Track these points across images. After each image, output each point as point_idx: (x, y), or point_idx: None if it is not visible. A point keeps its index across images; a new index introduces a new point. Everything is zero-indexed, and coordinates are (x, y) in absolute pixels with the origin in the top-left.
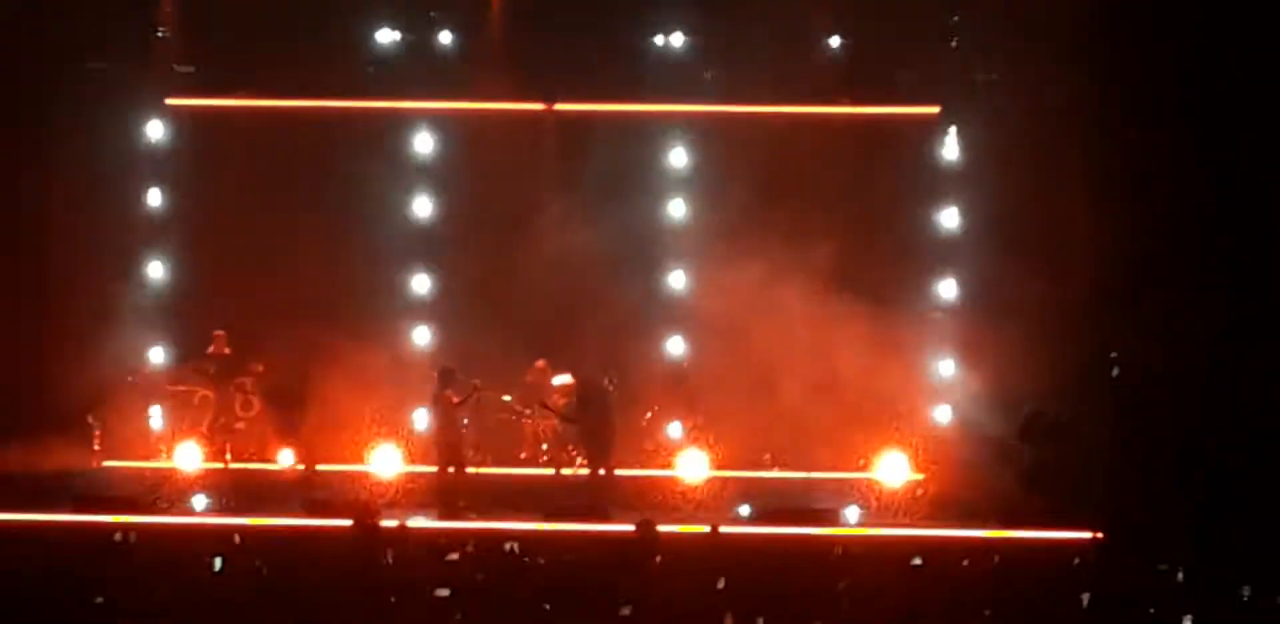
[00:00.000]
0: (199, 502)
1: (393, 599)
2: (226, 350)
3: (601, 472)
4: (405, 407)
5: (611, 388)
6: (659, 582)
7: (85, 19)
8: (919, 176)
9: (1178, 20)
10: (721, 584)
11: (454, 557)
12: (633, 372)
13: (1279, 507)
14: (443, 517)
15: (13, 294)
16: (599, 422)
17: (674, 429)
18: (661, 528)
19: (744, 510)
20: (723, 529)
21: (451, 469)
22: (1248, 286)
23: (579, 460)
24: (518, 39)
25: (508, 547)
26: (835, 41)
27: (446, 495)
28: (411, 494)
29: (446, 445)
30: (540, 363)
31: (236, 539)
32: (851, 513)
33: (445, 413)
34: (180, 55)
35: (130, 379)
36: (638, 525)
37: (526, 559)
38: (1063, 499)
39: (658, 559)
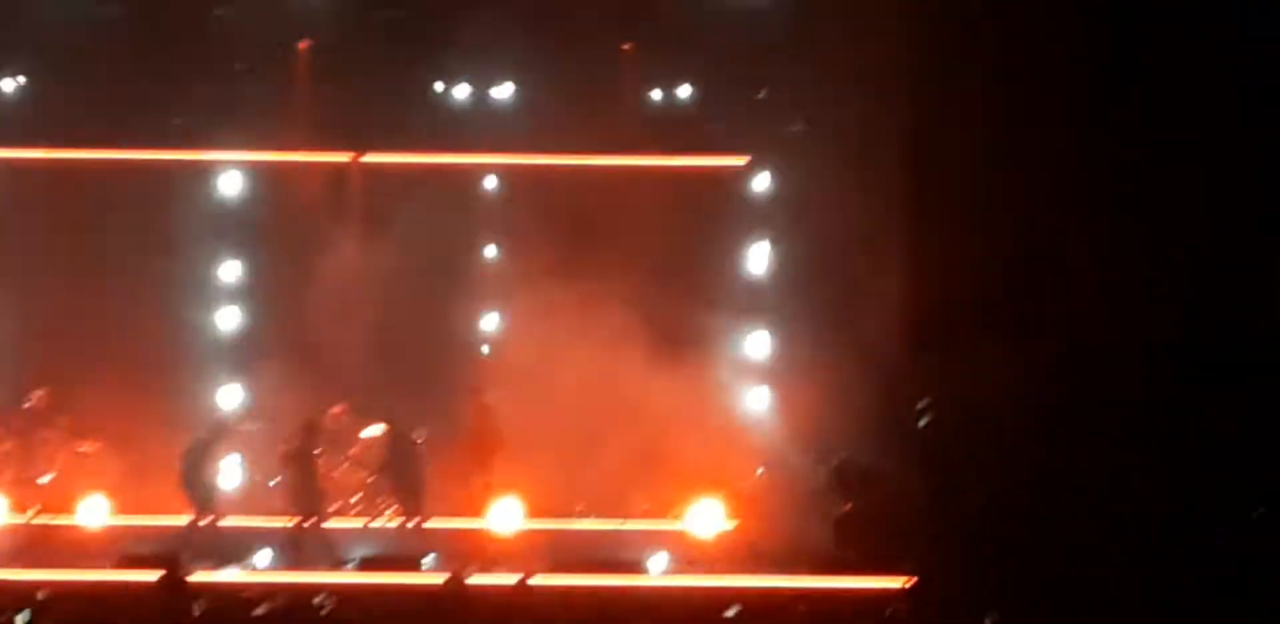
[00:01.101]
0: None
1: None
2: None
3: (411, 523)
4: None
5: (420, 439)
6: None
7: None
8: (729, 226)
9: (988, 68)
10: None
11: (261, 611)
12: (442, 420)
13: (1090, 552)
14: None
15: None
16: (408, 473)
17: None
18: (471, 579)
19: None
20: (531, 581)
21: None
22: (1060, 333)
23: (389, 511)
24: (325, 89)
25: (317, 600)
26: (646, 92)
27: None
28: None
29: (311, 496)
30: (337, 408)
31: (40, 595)
32: (661, 562)
33: (308, 465)
34: None
35: None
36: (448, 578)
37: (336, 612)
38: (874, 547)
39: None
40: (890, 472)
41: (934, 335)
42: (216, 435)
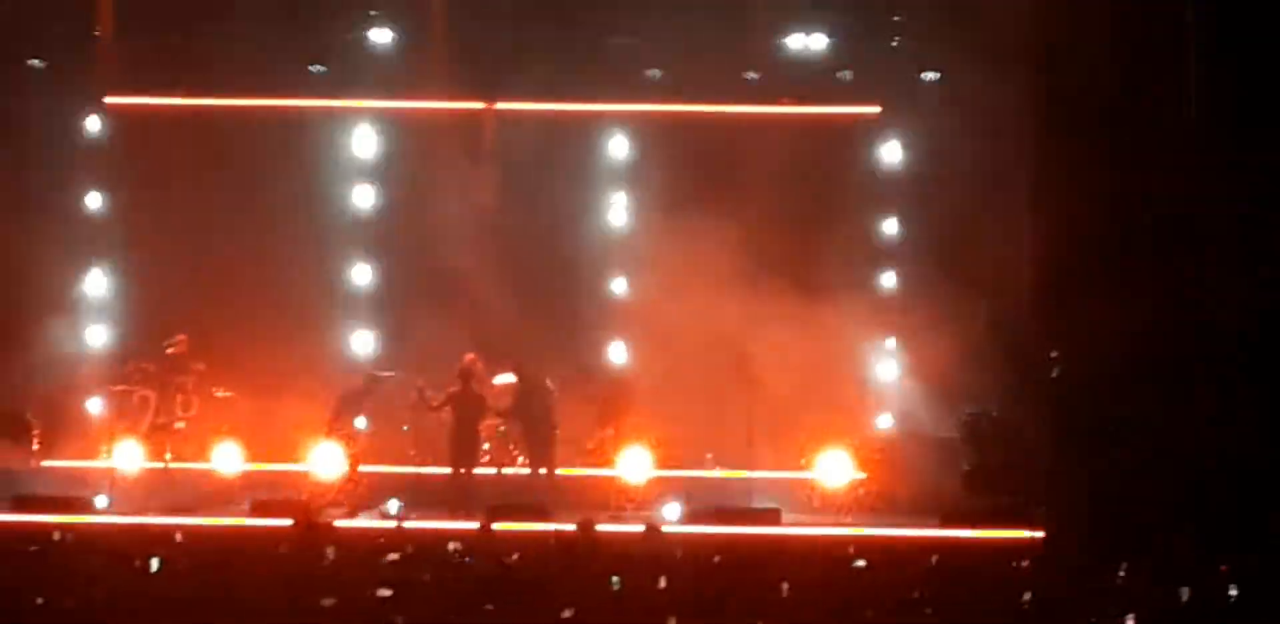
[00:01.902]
0: (137, 501)
1: (332, 600)
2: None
3: (543, 471)
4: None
5: (553, 387)
6: (600, 582)
7: (21, 17)
8: (860, 176)
9: (1123, 20)
10: (663, 584)
11: (395, 557)
12: (574, 369)
13: (1218, 505)
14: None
15: None
16: (540, 420)
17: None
18: (601, 527)
19: (670, 511)
20: (663, 529)
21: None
22: (1190, 285)
23: (520, 460)
24: (459, 36)
25: (449, 547)
26: (778, 41)
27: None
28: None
29: (464, 444)
30: (469, 356)
31: (178, 538)
32: (792, 512)
33: (464, 411)
34: (119, 53)
35: (79, 374)
36: (578, 525)
37: (468, 559)
38: (1005, 499)
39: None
40: (1020, 424)
41: (1064, 287)
42: (371, 387)
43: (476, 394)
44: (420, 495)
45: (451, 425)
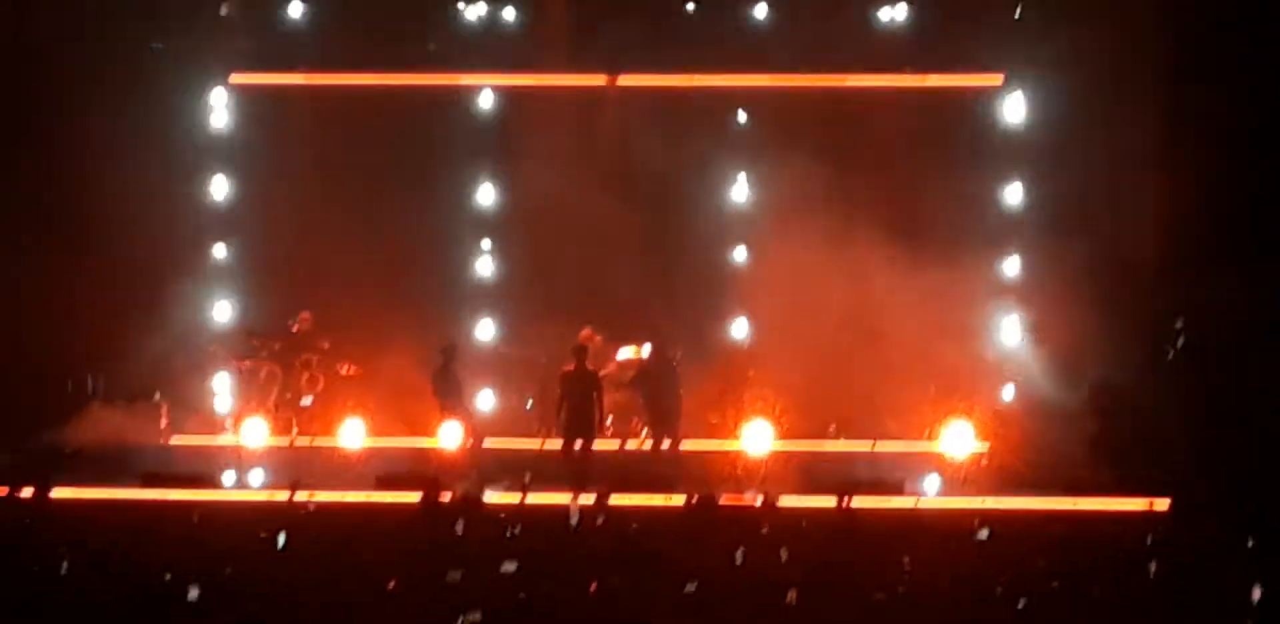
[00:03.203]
0: (265, 477)
1: (458, 574)
2: (307, 328)
3: (666, 444)
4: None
5: (677, 360)
6: (722, 555)
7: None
8: (984, 147)
9: None
10: (784, 557)
11: (516, 531)
12: (698, 343)
13: None
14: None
15: (84, 272)
16: (664, 394)
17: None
18: (723, 500)
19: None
20: (782, 502)
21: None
22: None
23: (644, 433)
24: (580, 11)
25: (571, 521)
26: (900, 10)
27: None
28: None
29: (575, 422)
30: (585, 332)
31: (310, 507)
32: (921, 484)
33: (575, 388)
34: (243, 32)
35: (210, 349)
36: (700, 498)
37: (589, 534)
38: (1129, 469)
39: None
40: (1144, 392)
41: (1190, 256)
42: (449, 358)
43: (589, 371)
44: (544, 470)
45: (564, 403)
